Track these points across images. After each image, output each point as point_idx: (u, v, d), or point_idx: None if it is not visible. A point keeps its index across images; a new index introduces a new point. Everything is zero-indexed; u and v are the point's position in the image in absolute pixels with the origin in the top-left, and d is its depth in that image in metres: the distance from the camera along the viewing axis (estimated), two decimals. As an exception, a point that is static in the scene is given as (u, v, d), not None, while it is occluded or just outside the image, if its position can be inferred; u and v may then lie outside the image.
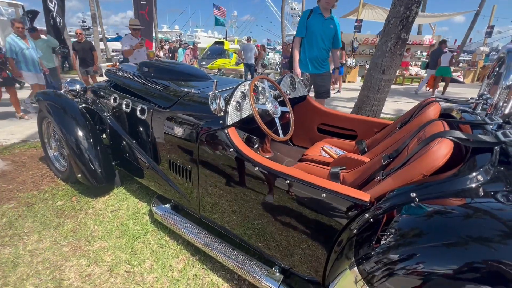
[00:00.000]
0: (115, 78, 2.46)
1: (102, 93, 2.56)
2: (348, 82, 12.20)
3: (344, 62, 8.69)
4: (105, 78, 2.78)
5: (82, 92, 2.67)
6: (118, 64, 2.94)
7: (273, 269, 1.45)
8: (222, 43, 12.52)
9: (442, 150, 0.97)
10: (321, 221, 1.19)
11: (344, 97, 8.06)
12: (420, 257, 0.78)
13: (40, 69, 4.64)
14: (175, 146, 1.78)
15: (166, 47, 13.53)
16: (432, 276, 0.75)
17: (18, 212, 2.10)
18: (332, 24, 2.95)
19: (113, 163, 2.36)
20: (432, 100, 1.67)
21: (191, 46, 11.89)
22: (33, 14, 11.44)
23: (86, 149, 2.16)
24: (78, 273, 1.62)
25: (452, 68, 8.11)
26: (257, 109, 1.65)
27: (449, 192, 0.90)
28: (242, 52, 9.79)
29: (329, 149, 2.03)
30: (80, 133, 2.17)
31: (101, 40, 16.71)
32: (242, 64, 11.79)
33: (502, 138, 0.97)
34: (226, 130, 1.47)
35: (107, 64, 3.46)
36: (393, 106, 6.74)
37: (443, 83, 8.81)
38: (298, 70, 2.95)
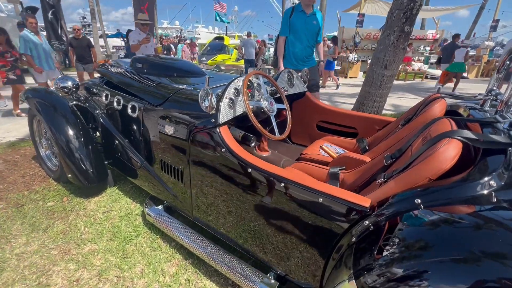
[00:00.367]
0: (107, 74, 2.37)
1: (94, 90, 2.48)
2: (350, 77, 12.05)
3: (336, 57, 8.52)
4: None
5: (74, 89, 2.59)
6: (110, 60, 2.85)
7: (268, 275, 1.38)
8: (222, 38, 12.36)
9: (449, 152, 0.89)
10: (318, 227, 1.11)
11: (345, 93, 7.94)
12: (426, 273, 0.70)
13: (54, 65, 4.58)
14: (166, 146, 1.70)
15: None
16: (439, 295, 0.67)
17: (7, 213, 2.04)
18: (315, 20, 2.96)
19: (105, 162, 2.29)
20: (438, 97, 1.58)
21: (188, 41, 11.74)
22: (32, 11, 11.34)
23: (77, 148, 2.08)
24: (65, 278, 1.55)
25: (466, 64, 7.91)
26: (251, 106, 1.56)
27: (457, 199, 0.82)
28: (243, 47, 9.66)
29: (328, 148, 1.95)
30: (71, 132, 2.10)
31: (101, 36, 16.61)
32: (243, 60, 11.68)
33: None
34: (218, 129, 1.38)
35: (99, 60, 3.38)
36: (396, 102, 6.62)
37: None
38: (282, 67, 2.96)
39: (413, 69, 12.29)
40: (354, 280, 0.87)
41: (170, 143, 1.67)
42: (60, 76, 2.63)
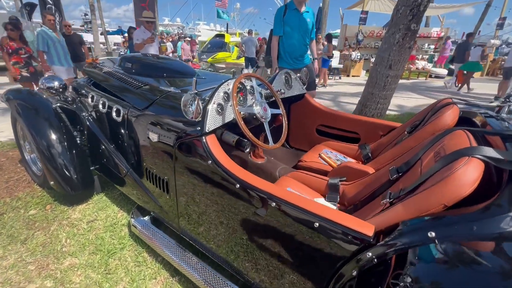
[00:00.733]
0: (92, 75, 2.24)
1: (82, 91, 2.34)
2: (353, 76, 11.85)
3: (331, 55, 8.36)
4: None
5: (61, 90, 2.46)
6: (98, 59, 2.71)
7: None
8: (222, 36, 12.18)
9: (469, 174, 0.74)
10: (314, 253, 0.97)
11: (347, 92, 7.77)
12: None
13: (71, 62, 4.50)
14: (151, 154, 1.57)
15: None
16: None
17: (-15, 222, 1.92)
18: (309, 18, 2.90)
19: (92, 168, 2.16)
20: (449, 102, 1.43)
21: (188, 39, 11.57)
22: (31, 7, 11.23)
23: (59, 153, 1.95)
24: (40, 297, 1.43)
25: (481, 63, 7.79)
26: (242, 112, 1.42)
27: (481, 235, 0.67)
28: (243, 45, 9.49)
29: (327, 156, 1.80)
30: (53, 136, 1.97)
31: (101, 33, 16.48)
32: (243, 58, 11.51)
33: None
34: (204, 138, 1.25)
35: (91, 58, 3.27)
36: (399, 102, 6.44)
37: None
38: (276, 67, 2.87)
39: (417, 68, 12.06)
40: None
41: (155, 151, 1.53)
42: (46, 75, 2.50)
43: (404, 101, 6.71)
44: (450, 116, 1.31)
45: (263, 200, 1.05)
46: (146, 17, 4.33)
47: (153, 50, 4.32)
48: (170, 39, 12.83)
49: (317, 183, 1.60)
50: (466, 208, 0.76)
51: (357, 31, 12.81)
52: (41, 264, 1.62)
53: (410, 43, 2.63)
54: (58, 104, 2.20)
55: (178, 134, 1.34)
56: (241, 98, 1.57)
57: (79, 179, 2.01)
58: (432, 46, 14.35)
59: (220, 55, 10.54)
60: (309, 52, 3.07)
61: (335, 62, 11.13)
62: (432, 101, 7.34)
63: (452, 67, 10.51)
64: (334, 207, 1.44)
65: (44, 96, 2.26)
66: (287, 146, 2.55)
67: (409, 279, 0.68)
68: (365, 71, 12.70)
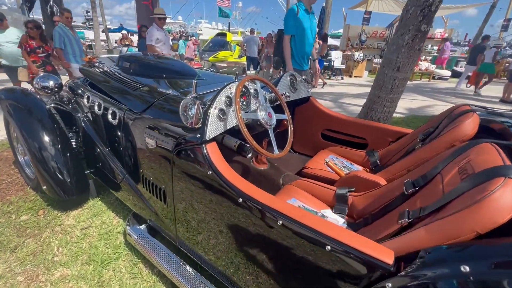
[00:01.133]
0: (88, 74, 2.14)
1: (77, 91, 2.25)
2: (355, 76, 11.74)
3: (323, 55, 8.25)
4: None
5: (56, 89, 2.37)
6: (95, 58, 2.62)
7: None
8: (224, 34, 12.06)
9: (508, 198, 0.65)
10: (323, 278, 0.88)
11: (350, 93, 7.66)
12: None
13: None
14: (148, 160, 1.48)
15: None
16: None
17: (-26, 228, 1.83)
18: (314, 19, 2.98)
19: (87, 172, 2.07)
20: (468, 109, 1.33)
21: (194, 38, 11.46)
22: (30, 3, 11.15)
23: (53, 156, 1.86)
24: (28, 312, 1.34)
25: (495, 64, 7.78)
26: (245, 119, 1.33)
27: None
28: (245, 44, 9.38)
29: (334, 163, 1.71)
30: (46, 138, 1.87)
31: (103, 31, 16.36)
32: (245, 57, 11.39)
33: None
34: (204, 147, 1.15)
35: (89, 56, 3.21)
36: (403, 104, 6.33)
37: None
38: (291, 68, 2.80)
39: (420, 69, 11.94)
40: None
41: (151, 158, 1.44)
42: (41, 74, 2.40)
43: (409, 103, 6.61)
44: (470, 125, 1.21)
45: (268, 217, 0.96)
46: (158, 13, 4.16)
47: (165, 49, 4.21)
48: (171, 37, 12.73)
49: (324, 193, 1.51)
50: (504, 238, 0.66)
51: (359, 31, 12.70)
52: (31, 275, 1.53)
53: (420, 44, 2.53)
54: (53, 105, 2.11)
55: (177, 141, 1.25)
56: (244, 103, 1.48)
57: (73, 184, 1.92)
58: (436, 47, 14.22)
59: (222, 54, 10.43)
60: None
61: (337, 63, 11.01)
62: (438, 103, 7.22)
63: (458, 69, 10.42)
64: (342, 220, 1.35)
65: (38, 96, 2.16)
66: (291, 150, 2.46)
67: None
68: (367, 72, 12.58)
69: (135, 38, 15.01)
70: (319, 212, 1.38)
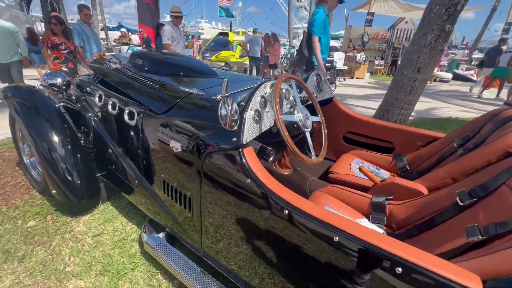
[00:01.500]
0: (100, 71, 2.03)
1: (87, 89, 2.14)
2: (357, 78, 11.70)
3: None
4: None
5: (64, 87, 2.25)
6: (105, 54, 2.51)
7: None
8: (226, 34, 11.96)
9: None
10: None
11: (353, 94, 7.60)
12: None
13: None
14: (171, 165, 1.37)
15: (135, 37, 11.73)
16: None
17: (-22, 235, 1.71)
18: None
19: (98, 175, 1.95)
20: None
21: (195, 38, 11.34)
22: (28, 0, 10.96)
23: (62, 158, 1.75)
24: (41, 330, 1.23)
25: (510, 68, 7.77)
26: (284, 121, 1.23)
27: None
28: (248, 44, 9.27)
29: (367, 168, 1.60)
30: (55, 138, 1.76)
31: (102, 29, 16.18)
32: (247, 57, 11.28)
33: None
34: (240, 151, 1.05)
35: (97, 54, 3.12)
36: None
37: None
38: (323, 68, 2.82)
39: (422, 71, 11.92)
40: None
41: (176, 163, 1.33)
42: (48, 71, 2.29)
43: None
44: None
45: (322, 232, 0.85)
46: (175, 11, 4.13)
47: (180, 48, 4.18)
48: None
49: (357, 201, 1.41)
50: None
51: (361, 33, 12.65)
52: (42, 287, 1.42)
53: (443, 45, 2.45)
54: (62, 104, 1.99)
55: (207, 144, 1.15)
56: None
57: (84, 187, 1.81)
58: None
59: (224, 54, 10.33)
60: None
61: (339, 64, 10.96)
62: (443, 105, 7.15)
63: (459, 71, 10.41)
64: (381, 230, 1.25)
65: (46, 94, 2.05)
66: (309, 153, 2.36)
67: None
68: (369, 73, 12.55)
69: (134, 37, 14.85)
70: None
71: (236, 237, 1.14)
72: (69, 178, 1.76)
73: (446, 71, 12.92)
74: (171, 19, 4.20)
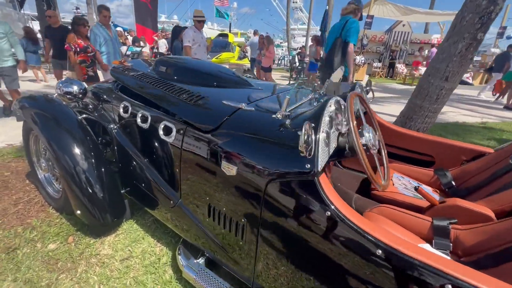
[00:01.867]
0: (125, 80, 1.89)
1: (107, 97, 2.00)
2: (356, 80, 11.71)
3: (319, 58, 8.10)
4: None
5: (80, 95, 2.11)
6: (126, 61, 2.36)
7: None
8: (226, 35, 11.82)
9: None
10: None
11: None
12: None
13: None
14: (220, 189, 1.25)
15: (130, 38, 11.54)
16: None
17: (-6, 261, 1.55)
18: None
19: (122, 191, 1.81)
20: None
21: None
22: (21, -1, 10.61)
23: (88, 175, 1.60)
24: None
25: None
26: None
27: None
28: (249, 47, 9.17)
29: (425, 190, 1.50)
30: (79, 153, 1.62)
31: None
32: (247, 58, 11.18)
33: None
34: (316, 180, 0.95)
35: (118, 60, 2.97)
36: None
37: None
38: (352, 78, 2.86)
39: (420, 74, 12.05)
40: None
41: (228, 187, 1.22)
42: (63, 79, 2.14)
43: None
44: None
45: (428, 279, 0.76)
46: (198, 16, 4.14)
47: (201, 52, 4.16)
48: (164, 36, 12.26)
49: (415, 223, 1.33)
50: None
51: (362, 35, 12.70)
52: (73, 323, 1.28)
53: (473, 54, 2.40)
54: (84, 115, 1.85)
55: (272, 170, 1.04)
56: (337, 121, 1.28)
57: (111, 206, 1.67)
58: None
59: (224, 55, 10.19)
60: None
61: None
62: (448, 109, 7.17)
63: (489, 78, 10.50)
64: (448, 257, 1.17)
65: (64, 103, 1.90)
66: (339, 166, 2.27)
67: None
68: (367, 76, 12.60)
69: (130, 37, 14.50)
70: None
71: (305, 275, 1.03)
72: (96, 197, 1.61)
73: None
74: (194, 23, 4.21)
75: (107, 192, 1.66)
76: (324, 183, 0.95)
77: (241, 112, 1.29)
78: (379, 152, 1.42)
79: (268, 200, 1.06)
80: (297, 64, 11.14)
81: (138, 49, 8.82)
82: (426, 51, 14.47)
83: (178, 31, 5.28)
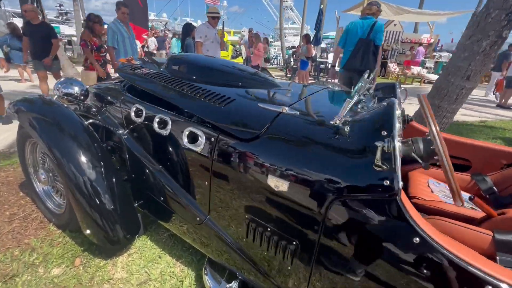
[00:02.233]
0: (136, 80, 1.69)
1: (112, 99, 1.79)
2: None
3: (310, 56, 7.95)
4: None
5: (82, 97, 1.89)
6: (134, 59, 2.15)
7: None
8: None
9: None
10: None
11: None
12: None
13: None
14: (266, 206, 1.08)
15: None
16: None
17: (-11, 292, 1.33)
18: None
19: (135, 205, 1.62)
20: None
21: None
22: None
23: (99, 189, 1.40)
24: None
25: None
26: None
27: None
28: (243, 45, 8.99)
29: (438, 187, 1.38)
30: (87, 164, 1.41)
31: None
32: (240, 57, 11.00)
33: None
34: (398, 199, 0.80)
35: (125, 58, 2.77)
36: (412, 109, 6.25)
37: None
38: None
39: (412, 73, 12.19)
40: None
41: (275, 205, 1.05)
42: (61, 79, 1.91)
43: (415, 108, 6.55)
44: None
45: None
46: (212, 12, 4.01)
47: (214, 48, 4.02)
48: (154, 34, 11.90)
49: (472, 238, 1.19)
50: None
51: (354, 34, 12.71)
52: None
53: (496, 52, 2.32)
54: (90, 121, 1.64)
55: (337, 187, 0.88)
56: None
57: (125, 223, 1.48)
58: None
59: (220, 54, 9.96)
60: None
61: (337, 65, 10.91)
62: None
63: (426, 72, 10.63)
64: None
65: (66, 106, 1.68)
66: None
67: None
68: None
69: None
70: None
71: None
72: (107, 211, 1.41)
73: (432, 73, 13.26)
74: (208, 20, 4.05)
75: (119, 205, 1.46)
76: (407, 204, 0.81)
77: (284, 117, 1.13)
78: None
79: (331, 221, 0.91)
80: (293, 63, 11.04)
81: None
82: (414, 52, 14.71)
83: (190, 28, 4.98)
